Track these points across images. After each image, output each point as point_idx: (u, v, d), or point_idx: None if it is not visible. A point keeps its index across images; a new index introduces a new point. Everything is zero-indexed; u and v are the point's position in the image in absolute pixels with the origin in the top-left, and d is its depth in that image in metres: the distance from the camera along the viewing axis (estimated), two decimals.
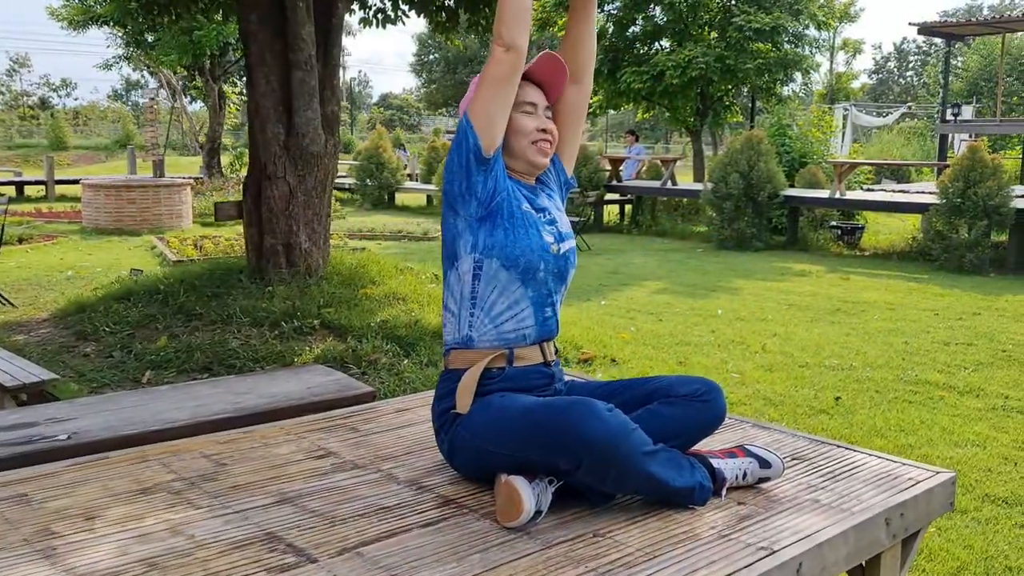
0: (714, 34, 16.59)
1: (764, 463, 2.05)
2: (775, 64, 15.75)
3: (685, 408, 2.02)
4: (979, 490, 3.52)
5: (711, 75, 15.49)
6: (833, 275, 9.46)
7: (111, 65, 21.33)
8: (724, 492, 2.00)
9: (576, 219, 12.31)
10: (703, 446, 2.15)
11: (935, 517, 2.17)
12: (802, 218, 12.57)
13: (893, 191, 13.90)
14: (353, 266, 5.91)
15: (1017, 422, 4.42)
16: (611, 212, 15.39)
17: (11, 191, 19.32)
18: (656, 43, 17.25)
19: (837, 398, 4.78)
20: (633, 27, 17.13)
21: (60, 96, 64.04)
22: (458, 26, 8.62)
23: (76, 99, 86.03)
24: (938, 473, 2.17)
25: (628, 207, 15.04)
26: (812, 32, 17.12)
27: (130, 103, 59.69)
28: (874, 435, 4.17)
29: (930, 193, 11.42)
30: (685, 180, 17.21)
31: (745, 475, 2.03)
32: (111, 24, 19.07)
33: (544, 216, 2.12)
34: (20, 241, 11.30)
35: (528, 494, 1.79)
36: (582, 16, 2.23)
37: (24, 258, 10.07)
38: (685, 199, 14.58)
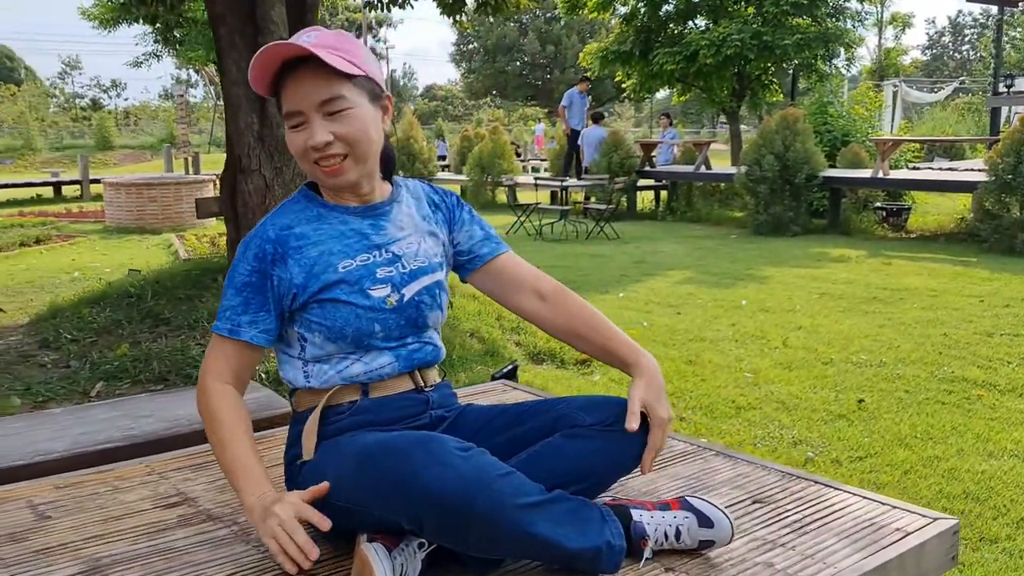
0: (751, 10, 15.90)
1: (705, 521, 1.60)
2: (815, 39, 15.01)
3: (592, 441, 1.59)
4: (1013, 513, 3.02)
5: (747, 53, 14.83)
6: (874, 260, 8.86)
7: (141, 63, 21.32)
8: (648, 552, 1.56)
9: (603, 207, 11.84)
10: (645, 484, 1.72)
11: None
12: (844, 200, 11.93)
13: (941, 169, 13.14)
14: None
15: None
16: (645, 199, 14.87)
17: (49, 191, 19.48)
18: (690, 22, 16.62)
19: (860, 400, 4.29)
20: (667, 5, 16.51)
21: (111, 97, 65.11)
22: (465, 7, 8.23)
23: (126, 99, 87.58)
24: (935, 520, 1.71)
25: (664, 193, 14.51)
26: (854, 4, 16.36)
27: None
28: (897, 444, 3.68)
29: (979, 170, 10.71)
30: (723, 163, 16.60)
31: (679, 535, 1.58)
32: (140, 21, 19.06)
33: (379, 256, 1.65)
34: (37, 242, 11.20)
35: (383, 567, 1.38)
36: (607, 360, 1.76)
37: (36, 259, 9.93)
38: (723, 183, 13.99)
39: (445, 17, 8.44)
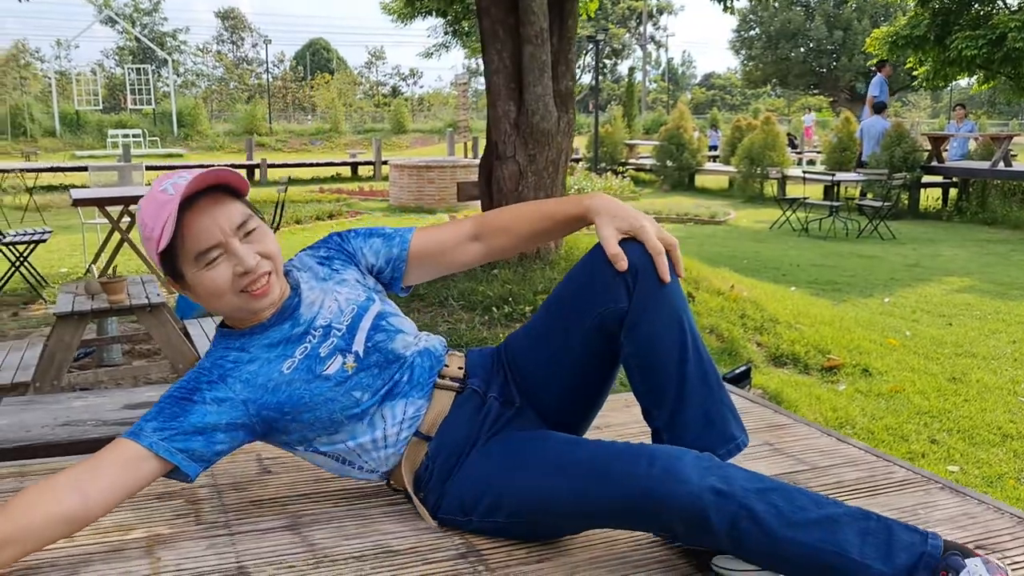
0: None
1: None
2: None
3: (650, 309, 1.48)
4: None
5: None
6: None
7: (431, 54, 22.76)
8: None
9: (879, 204, 11.03)
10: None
11: None
12: None
13: None
14: (588, 250, 5.60)
15: None
16: (931, 196, 13.67)
17: (347, 171, 21.38)
18: (999, 1, 14.97)
19: None
20: None
21: (408, 84, 70.02)
22: None
23: (421, 87, 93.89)
24: None
25: (954, 191, 13.26)
26: None
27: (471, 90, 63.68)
28: None
29: None
30: None
31: None
32: (433, 14, 20.37)
33: (313, 339, 1.58)
34: (330, 216, 12.34)
35: None
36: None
37: (327, 232, 10.91)
38: None
39: (714, 2, 8.23)
